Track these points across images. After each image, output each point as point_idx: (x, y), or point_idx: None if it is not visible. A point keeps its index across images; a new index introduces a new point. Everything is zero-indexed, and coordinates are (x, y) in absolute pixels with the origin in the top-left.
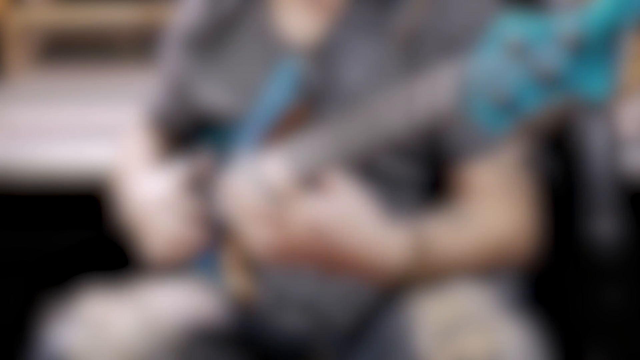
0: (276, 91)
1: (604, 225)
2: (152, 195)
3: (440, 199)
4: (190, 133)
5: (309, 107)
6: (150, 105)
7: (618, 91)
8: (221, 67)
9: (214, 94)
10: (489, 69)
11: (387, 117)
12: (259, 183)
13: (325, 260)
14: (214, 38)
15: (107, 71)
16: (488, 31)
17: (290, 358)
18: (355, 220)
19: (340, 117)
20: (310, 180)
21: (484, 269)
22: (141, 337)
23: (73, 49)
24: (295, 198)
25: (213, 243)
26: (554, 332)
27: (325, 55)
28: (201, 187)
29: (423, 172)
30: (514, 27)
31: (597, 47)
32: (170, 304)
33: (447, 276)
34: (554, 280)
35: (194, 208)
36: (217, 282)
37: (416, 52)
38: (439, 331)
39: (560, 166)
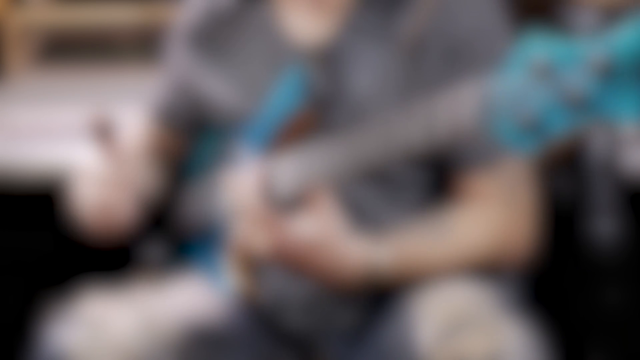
0: (283, 95)
1: (604, 225)
2: (84, 164)
3: (445, 199)
4: (195, 131)
5: (317, 112)
6: (154, 102)
7: None
8: (226, 65)
9: (219, 92)
10: (513, 89)
11: (406, 132)
12: (259, 189)
13: (294, 267)
14: (215, 36)
15: (107, 71)
16: (513, 51)
17: (292, 358)
18: (327, 241)
19: (356, 129)
20: (301, 195)
21: (473, 270)
22: (141, 337)
23: (73, 49)
24: (267, 217)
25: (213, 241)
26: (554, 332)
27: (332, 60)
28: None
29: (427, 174)
30: (539, 48)
31: (627, 72)
32: (170, 304)
33: (425, 279)
34: (554, 280)
35: (116, 172)
36: (218, 281)
37: (422, 57)
38: (440, 331)
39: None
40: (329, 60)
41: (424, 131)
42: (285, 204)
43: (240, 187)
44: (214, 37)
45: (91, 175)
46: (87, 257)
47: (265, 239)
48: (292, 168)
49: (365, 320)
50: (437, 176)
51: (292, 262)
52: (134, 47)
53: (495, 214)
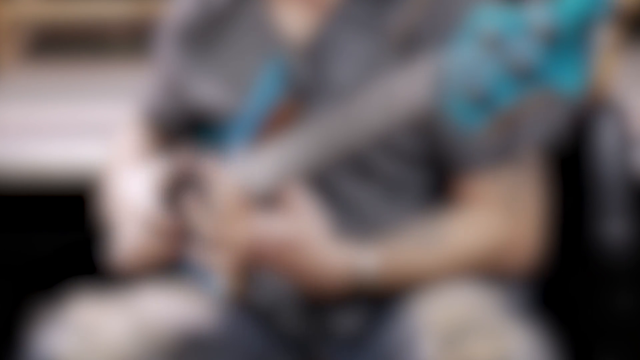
0: (265, 88)
1: (614, 227)
2: (127, 198)
3: (446, 202)
4: (186, 132)
5: (298, 104)
6: (145, 103)
7: (590, 84)
8: (216, 62)
9: (208, 90)
10: (464, 62)
11: (367, 114)
12: (212, 196)
13: (272, 269)
14: (208, 33)
15: (99, 67)
16: (464, 24)
17: None
18: (304, 241)
19: (321, 117)
20: (271, 195)
21: (470, 275)
22: (133, 342)
23: (64, 45)
24: (240, 216)
25: (184, 252)
26: (563, 338)
27: (316, 51)
28: (179, 193)
29: (425, 176)
30: (489, 19)
31: (570, 39)
32: (162, 308)
33: (419, 285)
34: (563, 284)
35: (165, 222)
36: (210, 283)
37: (411, 51)
38: (444, 337)
39: (570, 167)
40: (312, 51)
41: (384, 112)
42: (262, 202)
43: (216, 186)
44: (205, 35)
45: (134, 215)
46: (78, 260)
47: (239, 239)
48: (265, 163)
49: (367, 325)
50: (438, 177)
51: (266, 264)
52: (126, 42)
53: (496, 219)
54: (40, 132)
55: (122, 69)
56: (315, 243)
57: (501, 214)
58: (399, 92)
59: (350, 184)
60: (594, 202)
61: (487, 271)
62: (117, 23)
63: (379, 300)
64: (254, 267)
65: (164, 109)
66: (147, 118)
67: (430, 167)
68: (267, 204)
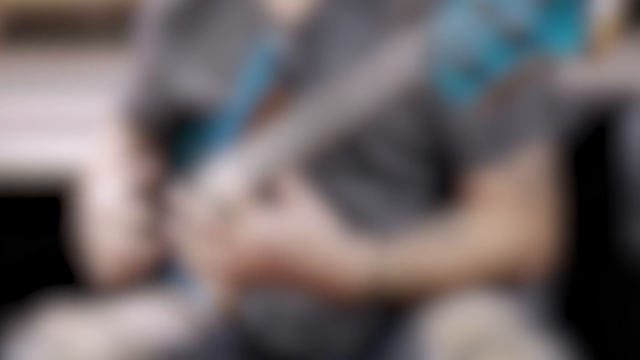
0: (254, 74)
1: None
2: (98, 204)
3: (453, 201)
4: (171, 129)
5: (289, 90)
6: (125, 99)
7: (589, 46)
8: (200, 49)
9: (193, 79)
10: (454, 30)
11: (356, 91)
12: (208, 197)
13: (278, 280)
14: (191, 17)
15: (77, 56)
16: None
17: None
18: (311, 240)
19: (310, 100)
20: (267, 189)
21: (488, 281)
22: (111, 358)
23: (38, 32)
24: (244, 214)
25: (171, 256)
26: (586, 352)
27: (308, 33)
28: (154, 193)
29: (431, 172)
30: None
31: None
32: (143, 322)
33: (436, 293)
34: (586, 294)
35: (143, 219)
36: (196, 296)
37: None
38: (456, 352)
39: (594, 167)
40: (305, 33)
41: (373, 88)
42: (257, 199)
43: (184, 202)
44: (189, 19)
45: (107, 219)
46: (52, 268)
47: (237, 243)
48: (255, 154)
49: (370, 340)
50: (444, 176)
51: (272, 272)
52: (105, 28)
53: (511, 218)
54: (13, 128)
55: (102, 58)
56: (329, 240)
57: (517, 213)
58: (388, 67)
59: (349, 181)
60: (619, 205)
61: (504, 276)
62: (96, 8)
63: (385, 311)
64: (255, 277)
65: (146, 104)
66: (128, 115)
67: (435, 163)
68: (263, 202)
